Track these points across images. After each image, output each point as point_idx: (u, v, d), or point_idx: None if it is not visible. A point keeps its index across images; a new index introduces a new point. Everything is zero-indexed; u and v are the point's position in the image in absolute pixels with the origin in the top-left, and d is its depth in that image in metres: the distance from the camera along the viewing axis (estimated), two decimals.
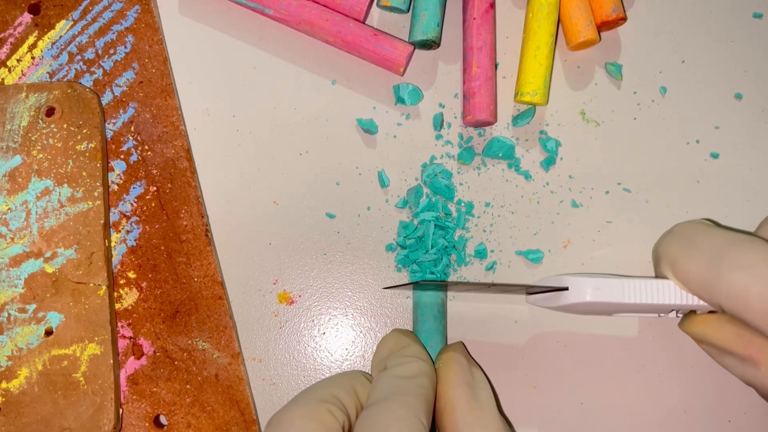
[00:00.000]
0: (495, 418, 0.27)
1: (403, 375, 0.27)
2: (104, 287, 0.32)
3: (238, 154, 0.35)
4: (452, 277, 0.33)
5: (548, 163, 0.35)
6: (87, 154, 0.33)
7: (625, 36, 0.36)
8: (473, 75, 0.34)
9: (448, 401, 0.27)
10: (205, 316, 0.33)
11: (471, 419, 0.26)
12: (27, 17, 0.35)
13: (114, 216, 0.34)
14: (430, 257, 0.32)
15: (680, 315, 0.30)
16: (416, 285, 0.30)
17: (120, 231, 0.33)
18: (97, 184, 0.33)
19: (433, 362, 0.30)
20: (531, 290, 0.30)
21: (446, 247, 0.33)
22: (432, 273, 0.33)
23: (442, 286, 0.30)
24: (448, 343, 0.32)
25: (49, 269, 0.32)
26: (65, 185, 0.32)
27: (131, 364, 0.32)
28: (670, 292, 0.28)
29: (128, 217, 0.34)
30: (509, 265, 0.34)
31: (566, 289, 0.29)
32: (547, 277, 0.31)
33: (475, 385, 0.28)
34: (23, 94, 0.33)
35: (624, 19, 0.35)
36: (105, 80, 0.35)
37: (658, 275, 0.30)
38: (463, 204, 0.34)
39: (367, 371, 0.32)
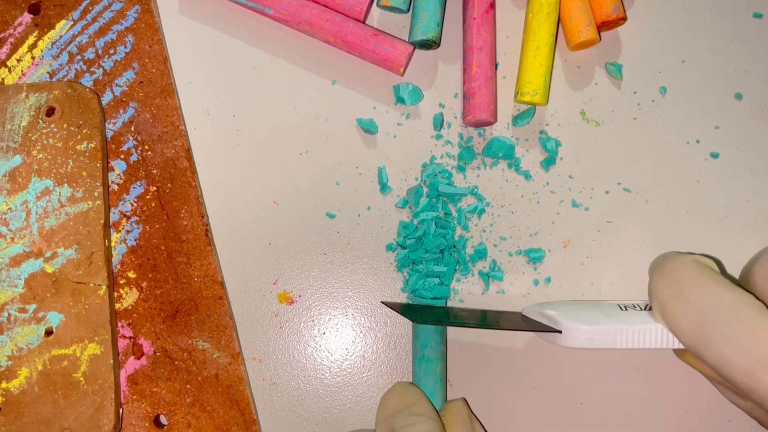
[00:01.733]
0: None
1: None
2: (104, 287, 0.32)
3: (238, 154, 0.35)
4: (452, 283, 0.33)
5: (548, 163, 0.35)
6: (87, 154, 0.33)
7: (625, 36, 0.36)
8: (473, 75, 0.34)
9: None
10: (205, 316, 0.33)
11: None
12: (27, 17, 0.35)
13: (114, 216, 0.34)
14: (432, 256, 0.32)
15: None
16: (413, 317, 0.30)
17: (120, 231, 0.33)
18: (97, 184, 0.33)
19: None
20: (527, 324, 0.30)
21: (446, 247, 0.33)
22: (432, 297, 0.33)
23: (439, 318, 0.30)
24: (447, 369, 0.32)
25: (49, 269, 0.32)
26: (65, 185, 0.32)
27: (131, 364, 0.32)
28: (662, 338, 0.28)
29: (128, 217, 0.34)
30: (509, 265, 0.34)
31: (559, 332, 0.29)
32: (543, 304, 0.31)
33: None
34: (23, 94, 0.33)
35: (624, 19, 0.35)
36: (105, 80, 0.35)
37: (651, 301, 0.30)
38: (468, 211, 0.34)
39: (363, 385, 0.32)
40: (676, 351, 0.31)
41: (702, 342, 0.25)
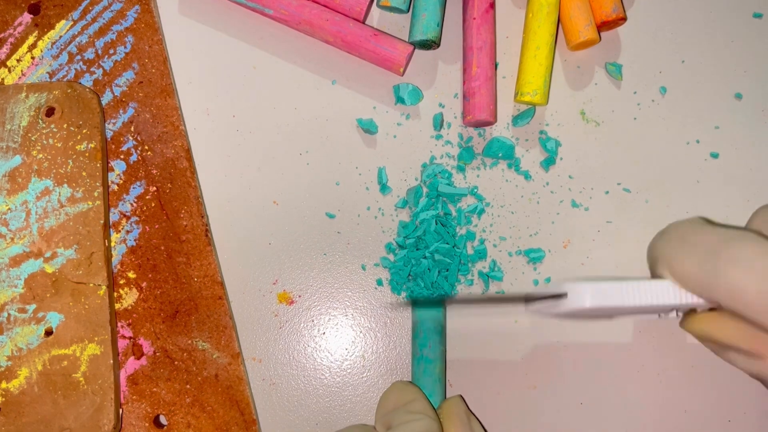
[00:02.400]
0: None
1: None
2: (104, 287, 0.32)
3: (238, 154, 0.35)
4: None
5: (548, 163, 0.35)
6: (87, 154, 0.33)
7: (625, 36, 0.36)
8: (473, 75, 0.34)
9: None
10: (205, 316, 0.33)
11: None
12: (27, 17, 0.35)
13: (114, 216, 0.34)
14: (436, 256, 0.33)
15: (680, 314, 0.30)
16: (415, 302, 0.30)
17: (120, 231, 0.33)
18: (97, 184, 0.33)
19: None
20: (529, 299, 0.30)
21: (447, 246, 0.33)
22: (430, 288, 0.33)
23: (441, 302, 0.30)
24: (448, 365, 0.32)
25: (49, 269, 0.32)
26: (65, 185, 0.32)
27: (131, 364, 0.32)
28: (669, 293, 0.28)
29: (128, 217, 0.34)
30: (509, 265, 0.34)
31: (565, 295, 0.29)
32: (545, 285, 0.31)
33: None
34: (23, 94, 0.33)
35: (624, 19, 0.35)
36: (105, 80, 0.35)
37: (655, 276, 0.30)
38: (468, 211, 0.34)
39: (365, 384, 0.32)
40: (683, 319, 0.31)
41: (712, 275, 0.24)
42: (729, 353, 0.28)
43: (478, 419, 0.30)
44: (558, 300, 0.29)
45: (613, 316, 0.31)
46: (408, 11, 0.35)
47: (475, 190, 0.34)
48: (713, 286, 0.25)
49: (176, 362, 0.32)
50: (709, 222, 0.27)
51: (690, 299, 0.28)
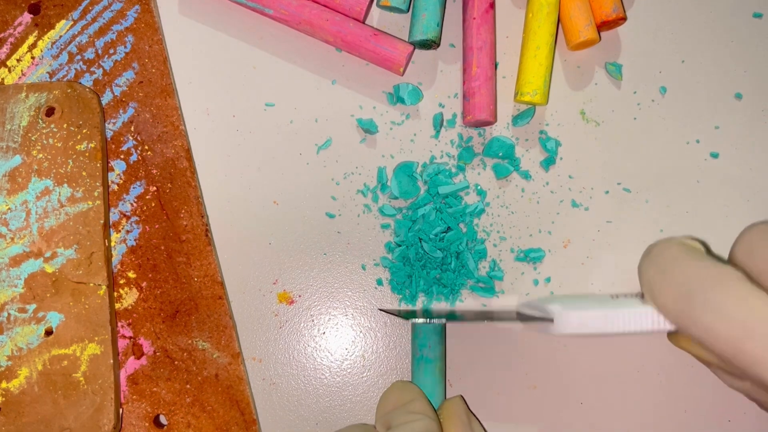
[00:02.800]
0: None
1: None
2: (104, 287, 0.32)
3: (238, 154, 0.35)
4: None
5: (548, 163, 0.35)
6: (87, 154, 0.33)
7: (625, 36, 0.36)
8: (473, 75, 0.34)
9: None
10: (205, 316, 0.33)
11: None
12: (27, 17, 0.35)
13: (114, 216, 0.34)
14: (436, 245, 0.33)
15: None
16: (410, 318, 0.31)
17: (120, 231, 0.33)
18: (97, 184, 0.33)
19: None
20: (521, 318, 0.31)
21: (450, 238, 0.33)
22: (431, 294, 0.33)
23: (437, 318, 0.31)
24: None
25: (49, 269, 0.32)
26: (65, 185, 0.32)
27: (131, 364, 0.32)
28: (653, 319, 0.28)
29: (128, 217, 0.34)
30: (509, 264, 0.34)
31: (551, 320, 0.29)
32: (540, 299, 0.31)
33: None
34: (23, 94, 0.33)
35: (624, 19, 0.35)
36: (105, 80, 0.35)
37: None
38: (468, 212, 0.34)
39: (366, 384, 0.32)
40: (669, 335, 0.31)
41: (686, 315, 0.25)
42: (716, 370, 0.29)
43: (478, 419, 0.30)
44: (546, 323, 0.29)
45: (603, 337, 0.31)
46: (408, 11, 0.35)
47: (477, 186, 0.34)
48: (686, 325, 0.25)
49: (176, 362, 0.32)
50: (693, 248, 0.27)
51: (672, 326, 0.28)
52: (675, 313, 0.25)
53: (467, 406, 0.31)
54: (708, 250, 0.27)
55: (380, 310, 0.33)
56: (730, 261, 0.28)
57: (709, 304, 0.24)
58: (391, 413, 0.28)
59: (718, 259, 0.26)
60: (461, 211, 0.34)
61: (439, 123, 0.35)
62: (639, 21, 0.36)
